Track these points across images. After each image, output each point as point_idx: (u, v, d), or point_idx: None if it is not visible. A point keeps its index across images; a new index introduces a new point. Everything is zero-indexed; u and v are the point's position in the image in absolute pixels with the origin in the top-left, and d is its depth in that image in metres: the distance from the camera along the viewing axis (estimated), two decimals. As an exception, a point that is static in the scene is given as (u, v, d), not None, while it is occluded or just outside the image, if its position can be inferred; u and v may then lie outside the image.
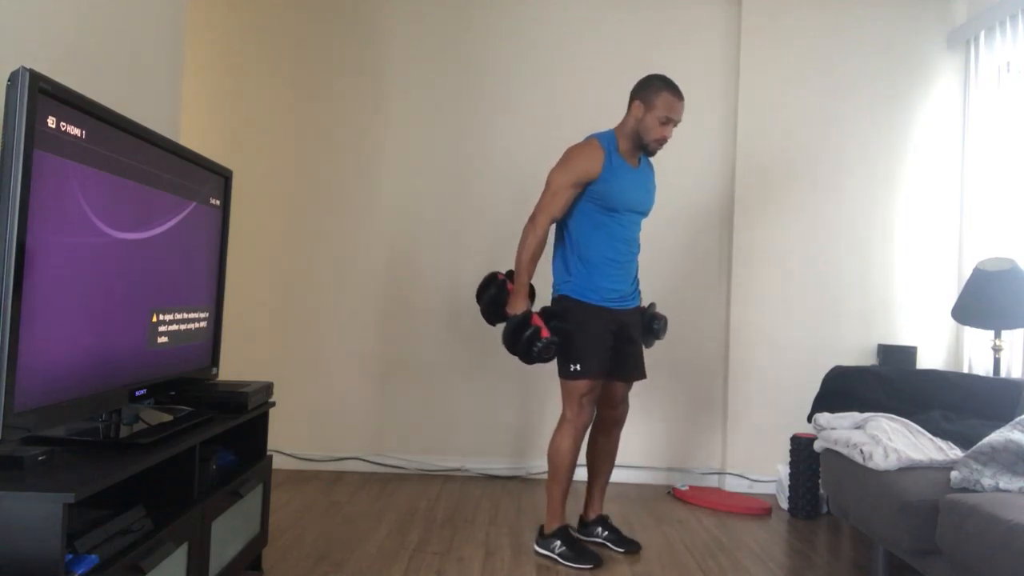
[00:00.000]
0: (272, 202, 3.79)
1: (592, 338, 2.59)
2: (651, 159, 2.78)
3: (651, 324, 2.83)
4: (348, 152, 3.81)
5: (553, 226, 2.69)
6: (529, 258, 2.61)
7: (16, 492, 1.29)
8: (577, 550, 2.59)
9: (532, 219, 2.63)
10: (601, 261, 2.63)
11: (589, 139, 2.69)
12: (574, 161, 2.61)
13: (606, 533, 2.76)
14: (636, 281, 2.79)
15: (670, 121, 2.61)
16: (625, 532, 2.79)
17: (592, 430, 2.81)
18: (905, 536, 2.03)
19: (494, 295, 2.67)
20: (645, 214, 2.76)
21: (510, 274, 2.71)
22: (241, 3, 3.82)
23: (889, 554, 2.32)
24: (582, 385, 2.59)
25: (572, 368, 2.59)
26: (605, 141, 2.65)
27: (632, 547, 2.70)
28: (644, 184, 2.73)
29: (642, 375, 2.80)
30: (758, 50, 3.69)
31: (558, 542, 2.61)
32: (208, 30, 3.78)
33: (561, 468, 2.64)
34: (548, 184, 2.63)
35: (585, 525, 2.81)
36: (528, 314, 2.56)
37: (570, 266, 2.66)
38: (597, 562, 2.56)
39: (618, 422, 2.82)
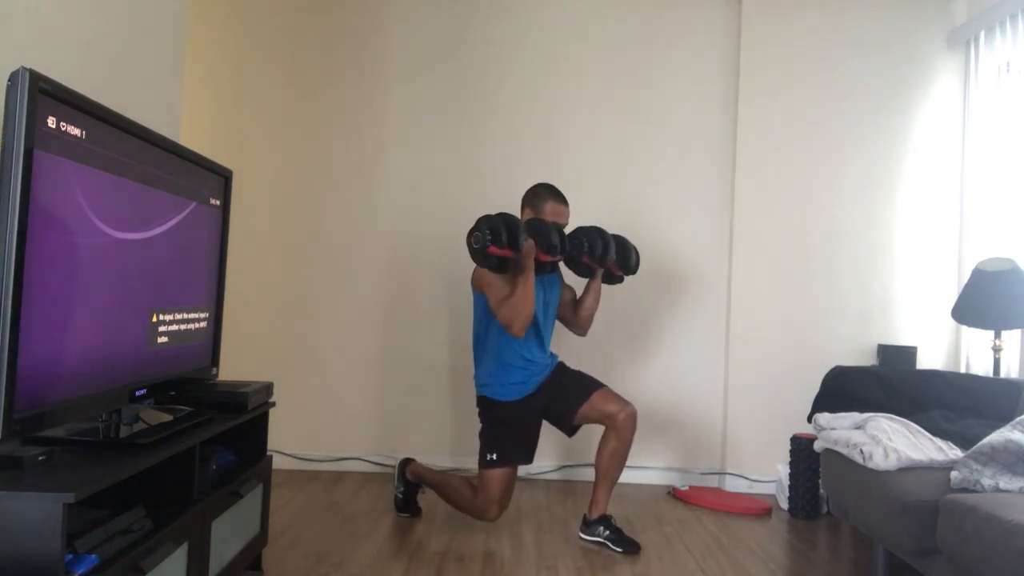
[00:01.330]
0: (272, 202, 3.79)
1: (509, 431, 2.79)
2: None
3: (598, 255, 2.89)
4: (348, 152, 3.81)
5: (469, 325, 2.93)
6: (529, 308, 2.65)
7: (16, 492, 1.29)
8: (408, 502, 3.03)
9: (508, 323, 2.67)
10: (514, 359, 2.80)
11: None
12: (495, 281, 2.73)
13: (607, 532, 2.76)
14: (549, 356, 2.94)
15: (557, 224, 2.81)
16: (626, 532, 2.79)
17: (606, 431, 2.83)
18: (905, 536, 2.03)
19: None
20: (552, 309, 2.94)
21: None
22: (242, 4, 3.82)
23: (889, 554, 2.32)
24: (497, 475, 2.74)
25: (489, 457, 2.76)
26: None
27: (631, 548, 2.70)
28: (546, 282, 2.89)
29: (598, 383, 2.89)
30: (758, 50, 3.69)
31: (400, 491, 3.02)
32: (208, 30, 3.78)
33: (445, 484, 2.93)
34: (489, 298, 2.74)
35: (588, 524, 2.82)
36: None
37: (487, 367, 2.83)
38: (414, 513, 3.03)
39: (628, 427, 2.80)
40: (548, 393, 2.86)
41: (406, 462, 3.08)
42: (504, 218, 2.61)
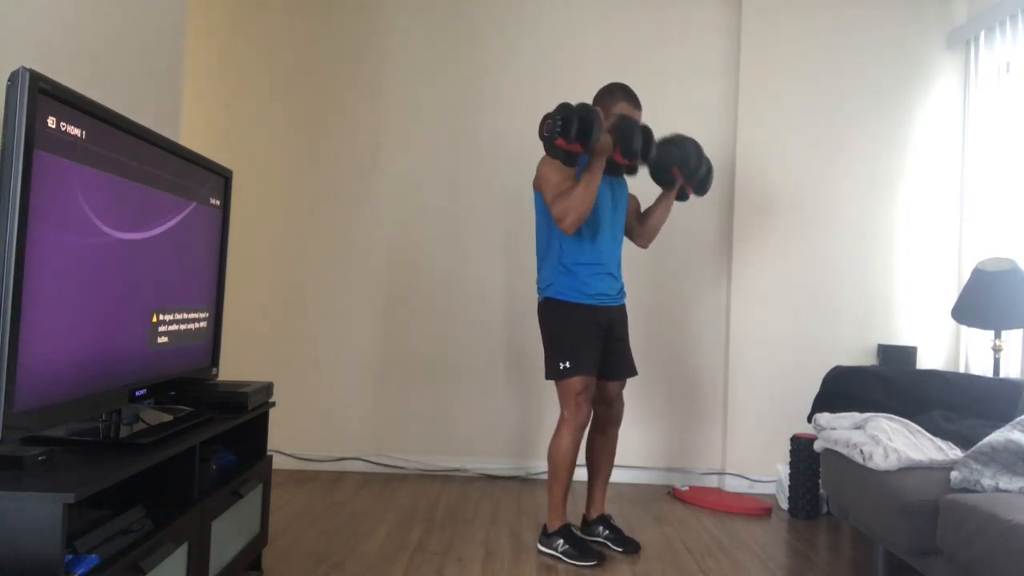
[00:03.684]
0: (272, 202, 3.79)
1: (579, 335, 2.63)
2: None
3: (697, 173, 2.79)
4: (348, 152, 3.81)
5: (534, 235, 2.77)
6: (586, 206, 2.51)
7: (16, 492, 1.29)
8: (580, 548, 2.60)
9: (559, 218, 2.56)
10: (582, 266, 2.67)
11: None
12: (553, 178, 2.63)
13: (607, 532, 2.76)
14: (620, 280, 2.81)
15: None
16: (625, 532, 2.79)
17: (590, 429, 2.82)
18: (905, 536, 2.03)
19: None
20: (621, 212, 2.82)
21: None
22: (242, 4, 3.82)
23: (889, 554, 2.32)
24: (575, 383, 2.61)
25: (562, 366, 2.62)
26: None
27: (631, 547, 2.70)
28: (615, 184, 2.79)
29: (633, 372, 2.84)
30: (758, 50, 3.69)
31: (561, 540, 2.62)
32: (208, 31, 3.78)
33: (561, 468, 2.65)
34: (548, 207, 2.62)
35: (587, 524, 2.82)
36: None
37: (553, 272, 2.70)
38: (600, 559, 2.58)
39: (614, 420, 2.84)
40: (607, 335, 2.71)
41: (544, 537, 2.68)
42: (581, 110, 2.40)
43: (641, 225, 2.91)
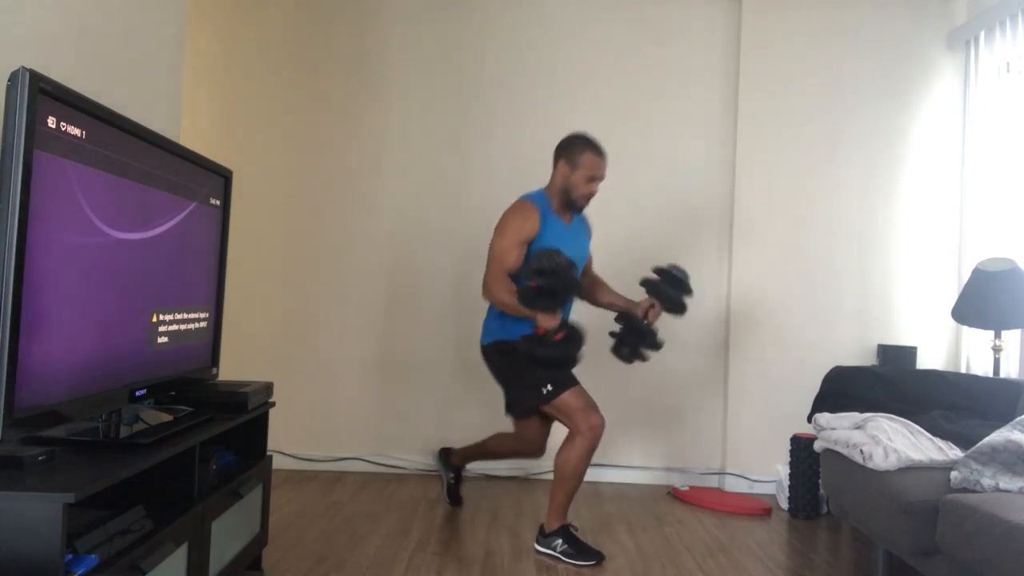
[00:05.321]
0: (272, 202, 3.79)
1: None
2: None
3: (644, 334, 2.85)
4: (348, 152, 3.81)
5: (470, 323, 2.79)
6: (512, 302, 2.56)
7: (16, 492, 1.29)
8: (579, 547, 2.60)
9: (485, 285, 2.65)
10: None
11: (522, 201, 2.74)
12: (513, 224, 2.67)
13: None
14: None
15: (595, 179, 2.70)
16: (623, 533, 2.78)
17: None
18: (905, 536, 2.03)
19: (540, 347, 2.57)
20: (585, 260, 2.85)
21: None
22: (242, 4, 3.82)
23: (889, 554, 2.32)
24: (569, 399, 2.60)
25: (546, 391, 2.60)
26: (538, 201, 2.72)
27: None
28: (578, 238, 2.83)
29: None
30: (758, 49, 3.69)
31: (559, 540, 2.62)
32: (209, 30, 3.78)
33: (571, 477, 2.63)
34: (492, 252, 2.68)
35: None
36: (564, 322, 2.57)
37: (505, 319, 2.69)
38: (599, 559, 2.57)
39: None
40: None
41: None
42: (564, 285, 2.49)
43: (587, 289, 2.93)
